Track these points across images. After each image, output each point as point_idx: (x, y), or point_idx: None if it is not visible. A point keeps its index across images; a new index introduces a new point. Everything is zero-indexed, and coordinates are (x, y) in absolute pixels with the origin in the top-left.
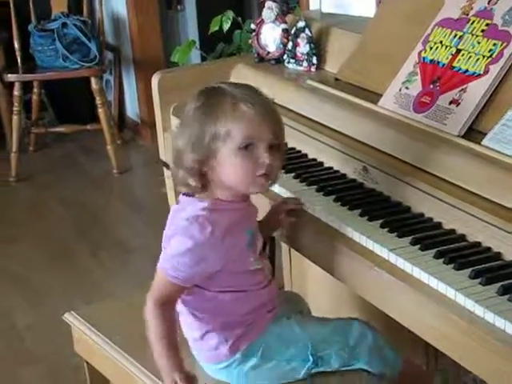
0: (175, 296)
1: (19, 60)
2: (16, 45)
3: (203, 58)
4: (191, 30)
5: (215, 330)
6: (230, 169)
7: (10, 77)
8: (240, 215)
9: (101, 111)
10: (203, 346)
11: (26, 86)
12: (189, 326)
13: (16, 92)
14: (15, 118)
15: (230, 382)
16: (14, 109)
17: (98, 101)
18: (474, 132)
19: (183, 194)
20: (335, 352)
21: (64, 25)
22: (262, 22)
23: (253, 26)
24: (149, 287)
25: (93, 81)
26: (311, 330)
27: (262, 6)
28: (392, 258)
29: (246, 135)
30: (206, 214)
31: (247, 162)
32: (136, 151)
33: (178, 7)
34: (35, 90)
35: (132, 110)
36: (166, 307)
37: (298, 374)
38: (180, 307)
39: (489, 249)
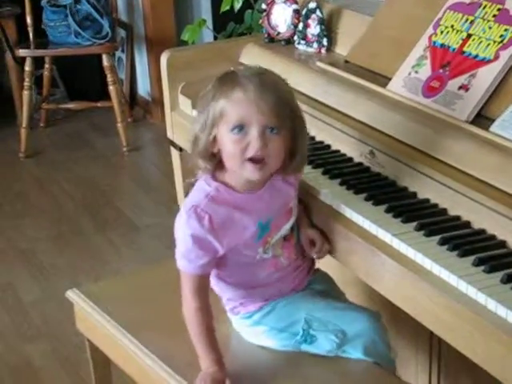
0: (205, 283)
1: (31, 35)
2: (28, 20)
3: (215, 38)
4: (204, 9)
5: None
6: (224, 150)
7: (22, 52)
8: (248, 205)
9: (112, 88)
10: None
11: (38, 62)
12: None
13: (27, 67)
14: (26, 93)
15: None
16: (25, 84)
17: (109, 78)
18: (482, 118)
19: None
20: (327, 335)
21: (77, 1)
22: (273, 2)
23: (264, 6)
24: (157, 267)
25: (104, 58)
26: (312, 306)
27: None
28: (395, 243)
29: (238, 117)
30: (205, 203)
31: (237, 144)
32: (146, 129)
33: None
34: (47, 65)
35: (143, 88)
36: (202, 298)
37: (287, 346)
38: None
39: (493, 236)
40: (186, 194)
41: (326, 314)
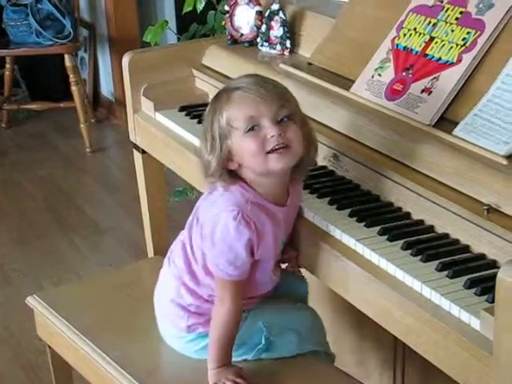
0: (243, 286)
1: None
2: None
3: (179, 39)
4: (168, 10)
5: (189, 310)
6: (245, 156)
7: None
8: (278, 218)
9: (74, 89)
10: (168, 308)
11: None
12: (169, 286)
13: None
14: None
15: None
16: None
17: (72, 78)
18: (445, 121)
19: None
20: (287, 338)
21: (38, 0)
22: (236, 3)
23: (226, 8)
24: (117, 271)
25: (67, 58)
26: (266, 313)
27: None
28: (359, 248)
29: (246, 117)
30: (250, 209)
31: (255, 141)
32: (110, 130)
33: None
34: (8, 65)
35: (106, 88)
36: (240, 301)
37: (247, 355)
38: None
39: (457, 241)
40: (176, 201)
41: (280, 319)
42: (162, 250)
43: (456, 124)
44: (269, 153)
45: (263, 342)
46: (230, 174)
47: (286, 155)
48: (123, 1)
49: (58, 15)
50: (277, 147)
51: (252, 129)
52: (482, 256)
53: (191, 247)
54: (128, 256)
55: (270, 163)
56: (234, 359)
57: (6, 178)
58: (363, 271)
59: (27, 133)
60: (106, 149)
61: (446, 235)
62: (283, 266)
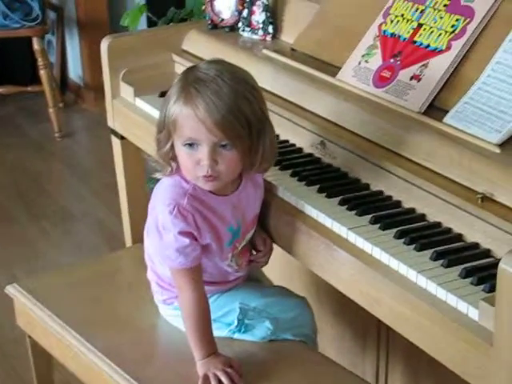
0: (200, 273)
1: None
2: None
3: (151, 24)
4: None
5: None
6: (179, 159)
7: None
8: (221, 208)
9: (42, 73)
10: (156, 287)
11: None
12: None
13: None
14: None
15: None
16: None
17: (40, 62)
18: (435, 109)
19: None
20: (262, 323)
21: None
22: None
23: None
24: (98, 259)
25: (34, 41)
26: (246, 295)
27: None
28: (351, 237)
29: (189, 134)
30: (187, 202)
31: (190, 160)
32: (79, 115)
33: None
34: None
35: (75, 72)
36: (201, 287)
37: (220, 333)
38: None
39: (449, 230)
40: (152, 187)
41: (259, 303)
42: (141, 238)
43: (446, 112)
44: (198, 175)
45: (236, 322)
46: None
47: (214, 182)
48: None
49: None
50: (206, 175)
51: (190, 145)
52: (476, 245)
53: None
54: (102, 244)
55: (199, 182)
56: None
57: None
58: (356, 260)
59: None
60: (75, 134)
61: (439, 224)
62: (253, 258)
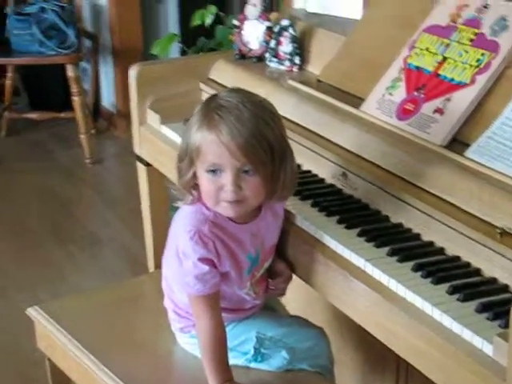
0: (218, 300)
1: None
2: None
3: (183, 53)
4: (172, 23)
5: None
6: (201, 188)
7: None
8: (241, 236)
9: (75, 99)
10: (173, 315)
11: (1, 70)
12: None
13: None
14: None
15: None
16: None
17: (74, 89)
18: (457, 143)
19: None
20: (278, 353)
21: (42, 9)
22: (245, 18)
23: (236, 22)
24: (119, 284)
25: (69, 68)
26: (263, 324)
27: (245, 1)
28: (368, 268)
29: (212, 160)
30: (208, 228)
31: (212, 185)
32: (110, 141)
33: None
34: (9, 74)
35: (108, 99)
36: (218, 315)
37: (236, 361)
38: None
39: (468, 264)
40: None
41: (276, 333)
42: None
43: (468, 146)
44: (222, 200)
45: (252, 352)
46: (197, 187)
47: (238, 207)
48: (127, 13)
49: (62, 25)
50: (231, 200)
51: (213, 171)
52: (494, 280)
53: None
54: (126, 269)
55: (221, 208)
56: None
57: (3, 186)
58: (372, 292)
59: (26, 142)
60: (106, 160)
61: (457, 258)
62: (271, 286)
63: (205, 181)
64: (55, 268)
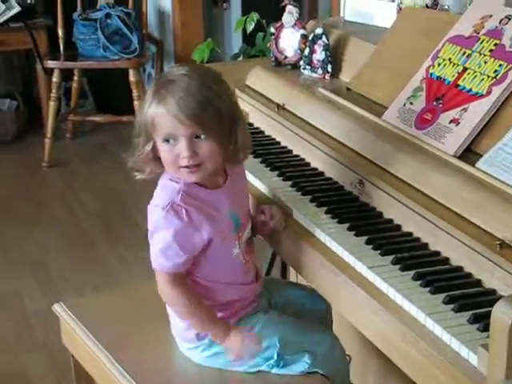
0: (182, 278)
1: (61, 47)
2: (59, 32)
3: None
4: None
5: None
6: (162, 157)
7: (50, 63)
8: (215, 201)
9: (137, 103)
10: (176, 323)
11: (69, 74)
12: None
13: (54, 78)
14: (52, 104)
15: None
16: (52, 95)
17: (135, 93)
18: (470, 153)
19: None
20: (300, 358)
21: (108, 15)
22: (282, 26)
23: (272, 30)
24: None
25: (131, 73)
26: (286, 331)
27: (282, 10)
28: (370, 276)
29: (166, 131)
30: (180, 199)
31: (169, 154)
32: None
33: (224, 5)
34: (76, 77)
35: None
36: (181, 285)
37: (260, 367)
38: None
39: (470, 275)
40: None
41: (298, 338)
42: None
43: (481, 156)
44: (181, 167)
45: (275, 357)
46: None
47: (198, 172)
48: (191, 20)
49: (126, 31)
50: (188, 165)
51: (168, 140)
52: (493, 291)
53: None
54: None
55: (183, 175)
56: (247, 370)
57: (64, 186)
58: (371, 299)
59: (90, 144)
60: None
61: (460, 268)
62: (271, 223)
63: (163, 151)
64: (104, 267)
